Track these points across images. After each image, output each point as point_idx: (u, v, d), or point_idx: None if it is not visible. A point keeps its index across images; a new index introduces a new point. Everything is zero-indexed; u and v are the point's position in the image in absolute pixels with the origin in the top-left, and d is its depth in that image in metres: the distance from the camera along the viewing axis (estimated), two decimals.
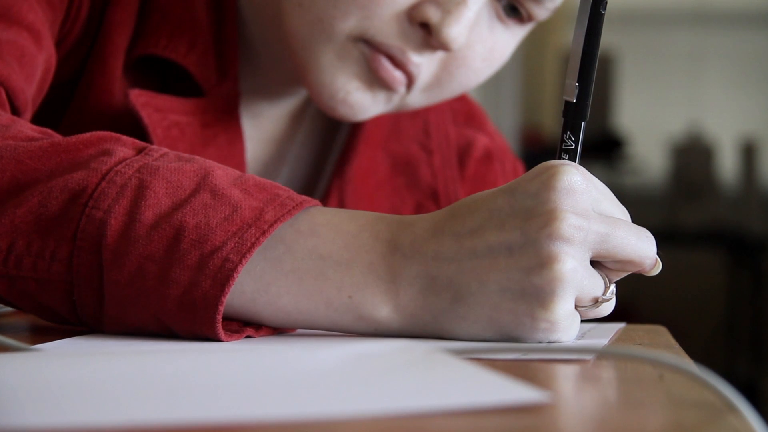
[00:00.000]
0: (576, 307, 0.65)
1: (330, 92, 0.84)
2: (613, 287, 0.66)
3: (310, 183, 0.98)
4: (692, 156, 4.29)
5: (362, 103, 0.85)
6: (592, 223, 0.64)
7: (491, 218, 0.65)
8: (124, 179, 0.65)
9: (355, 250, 0.65)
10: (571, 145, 0.70)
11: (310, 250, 0.65)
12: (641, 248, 0.66)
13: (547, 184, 0.64)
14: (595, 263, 0.66)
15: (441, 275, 0.65)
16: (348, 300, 0.65)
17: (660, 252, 0.67)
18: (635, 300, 3.35)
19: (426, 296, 0.65)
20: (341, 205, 0.94)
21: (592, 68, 0.70)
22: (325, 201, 0.94)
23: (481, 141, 1.03)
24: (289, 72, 0.91)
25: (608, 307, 0.67)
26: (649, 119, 4.72)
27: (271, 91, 0.94)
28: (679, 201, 4.25)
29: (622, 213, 0.67)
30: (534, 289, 0.63)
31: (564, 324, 0.64)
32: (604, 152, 4.08)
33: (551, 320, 0.64)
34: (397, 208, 0.98)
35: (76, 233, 0.65)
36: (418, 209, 0.98)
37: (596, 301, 0.66)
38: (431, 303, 0.65)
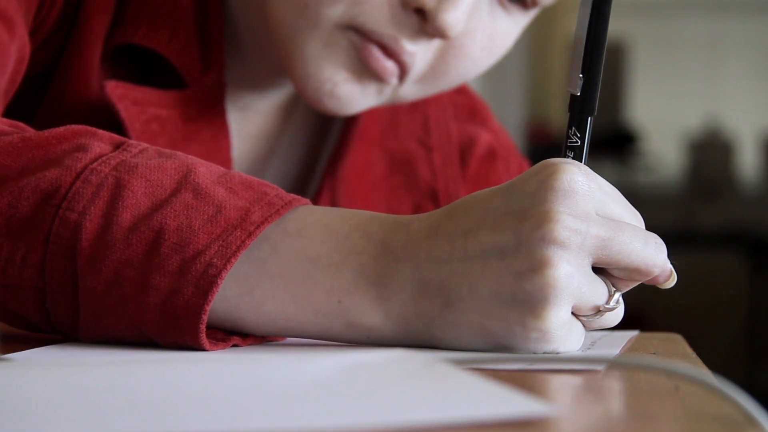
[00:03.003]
0: (578, 316, 0.65)
1: (316, 84, 0.84)
2: (618, 296, 0.65)
3: (301, 181, 0.98)
4: (710, 152, 4.29)
5: (350, 95, 0.84)
6: (591, 226, 0.63)
7: (486, 218, 0.64)
8: (100, 178, 0.65)
9: (346, 252, 0.65)
10: (577, 142, 0.69)
11: (298, 252, 0.65)
12: (648, 255, 0.65)
13: (545, 183, 0.64)
14: (600, 271, 0.65)
15: (432, 279, 0.64)
16: (337, 305, 0.65)
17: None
18: (649, 306, 3.36)
19: (417, 301, 0.65)
20: (334, 205, 0.94)
21: (599, 57, 0.69)
22: (316, 201, 0.94)
23: (485, 138, 1.03)
24: (277, 62, 0.91)
25: (614, 317, 0.66)
26: (664, 113, 4.72)
27: (259, 82, 0.94)
28: (696, 200, 4.25)
29: (633, 217, 0.66)
30: (525, 295, 0.63)
31: (557, 334, 0.63)
32: (615, 148, 4.09)
33: (543, 329, 0.63)
34: (394, 209, 0.97)
35: (49, 237, 0.65)
36: (417, 210, 0.98)
37: (598, 311, 0.65)
38: (423, 309, 0.65)
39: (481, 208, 0.65)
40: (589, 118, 0.69)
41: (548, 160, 0.65)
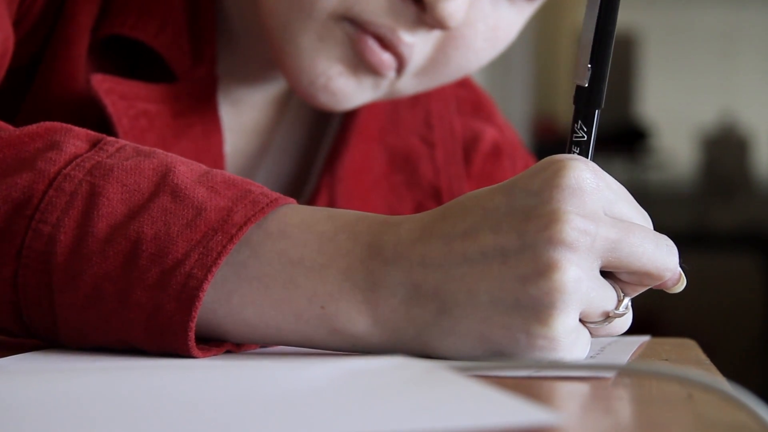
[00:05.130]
0: (584, 323, 0.64)
1: (310, 78, 0.84)
2: (627, 300, 0.65)
3: (298, 180, 0.97)
4: (725, 149, 4.29)
5: (345, 90, 0.84)
6: (601, 227, 0.63)
7: (486, 219, 0.64)
8: (73, 185, 0.65)
9: (331, 254, 0.64)
10: (583, 137, 0.69)
11: (279, 254, 0.65)
12: (659, 258, 0.64)
13: (551, 181, 0.63)
14: (608, 275, 0.65)
15: (426, 283, 0.63)
16: (320, 311, 0.64)
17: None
18: (661, 310, 3.36)
19: (409, 307, 0.64)
20: (331, 205, 0.93)
21: (608, 47, 0.68)
22: (313, 200, 0.94)
23: (490, 134, 1.03)
24: (271, 54, 0.91)
25: (623, 324, 0.65)
26: (677, 107, 4.72)
27: (252, 75, 0.94)
28: (710, 199, 4.26)
29: (641, 217, 0.65)
30: (530, 300, 0.62)
31: (565, 341, 0.62)
32: (625, 145, 4.09)
33: (550, 337, 0.62)
34: (394, 209, 0.97)
35: (21, 250, 0.64)
36: (418, 210, 0.97)
37: (607, 317, 0.64)
38: (415, 315, 0.64)
39: (480, 207, 0.64)
40: (596, 112, 0.69)
41: (553, 156, 0.65)
